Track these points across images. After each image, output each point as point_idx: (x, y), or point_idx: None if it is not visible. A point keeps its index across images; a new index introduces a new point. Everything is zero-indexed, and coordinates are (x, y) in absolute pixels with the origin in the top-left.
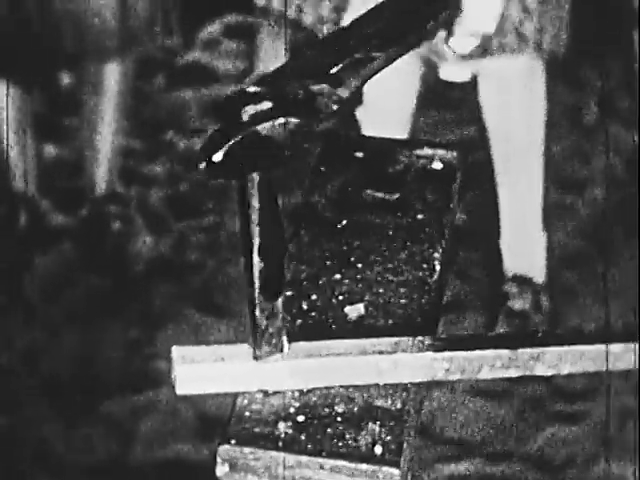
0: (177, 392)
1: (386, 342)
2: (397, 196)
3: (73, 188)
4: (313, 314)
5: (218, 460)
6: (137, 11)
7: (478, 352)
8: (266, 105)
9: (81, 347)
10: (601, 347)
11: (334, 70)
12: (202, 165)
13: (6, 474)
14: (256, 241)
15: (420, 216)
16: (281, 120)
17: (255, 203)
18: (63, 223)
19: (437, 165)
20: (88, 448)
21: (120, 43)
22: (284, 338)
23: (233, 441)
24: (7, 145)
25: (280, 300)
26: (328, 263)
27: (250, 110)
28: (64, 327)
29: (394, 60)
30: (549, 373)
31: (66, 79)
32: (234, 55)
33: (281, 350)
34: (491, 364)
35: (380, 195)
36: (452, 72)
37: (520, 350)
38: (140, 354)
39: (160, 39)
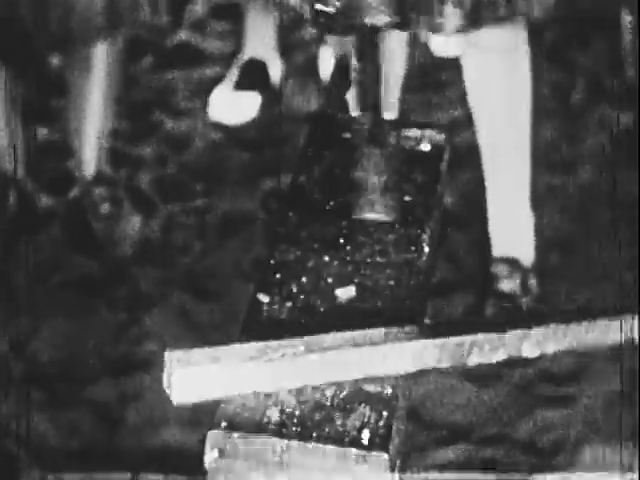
0: (173, 400)
1: (376, 333)
2: (385, 177)
3: (61, 170)
4: (302, 296)
5: (207, 446)
6: None
7: (467, 337)
8: None
9: (68, 330)
10: (585, 325)
11: None
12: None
13: None
14: None
15: (408, 197)
16: None
17: None
18: (51, 205)
19: (425, 146)
20: (75, 433)
21: (107, 24)
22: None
23: (222, 426)
24: None
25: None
26: (316, 245)
27: None
28: (51, 310)
29: None
30: (537, 353)
31: (54, 61)
32: (222, 36)
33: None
34: (480, 348)
35: (368, 176)
36: (444, 46)
37: (508, 332)
38: (127, 337)
39: (147, 19)
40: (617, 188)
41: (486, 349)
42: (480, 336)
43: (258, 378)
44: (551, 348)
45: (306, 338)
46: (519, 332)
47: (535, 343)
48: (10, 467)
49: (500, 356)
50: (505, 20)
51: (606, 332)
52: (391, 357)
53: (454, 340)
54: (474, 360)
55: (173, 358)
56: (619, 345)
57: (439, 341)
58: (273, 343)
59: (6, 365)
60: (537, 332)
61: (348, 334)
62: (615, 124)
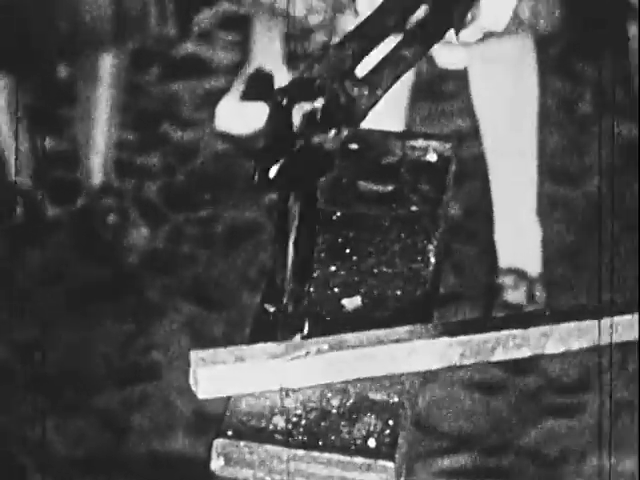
0: (199, 396)
1: (400, 331)
2: (391, 188)
3: (68, 180)
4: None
5: (213, 454)
6: (132, 1)
7: (492, 334)
8: (319, 102)
9: (75, 339)
10: (609, 320)
11: (368, 70)
12: (256, 178)
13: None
14: (292, 236)
15: (414, 208)
16: (334, 131)
17: (296, 207)
18: (58, 215)
19: (431, 157)
20: (82, 441)
21: (115, 34)
22: (306, 322)
23: (228, 434)
24: (2, 137)
25: (306, 287)
26: (323, 255)
27: (300, 114)
28: (58, 319)
29: (422, 56)
30: (560, 350)
31: (61, 70)
32: (229, 47)
33: (301, 331)
34: (504, 345)
35: (374, 187)
36: (449, 58)
37: (532, 329)
38: (134, 347)
39: (155, 30)
40: (623, 199)
41: (510, 346)
42: (504, 333)
43: (282, 375)
44: (575, 345)
45: (330, 337)
46: (543, 329)
47: (559, 340)
48: (17, 475)
49: (524, 353)
50: (511, 32)
51: (630, 328)
52: (416, 354)
53: (478, 337)
54: (498, 357)
55: (198, 356)
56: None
57: (464, 338)
58: (297, 342)
59: (13, 373)
60: (560, 329)
61: (372, 332)
62: (622, 135)
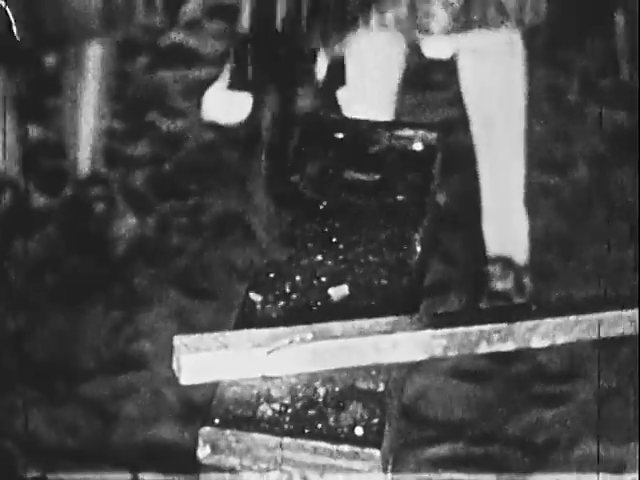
0: (182, 382)
1: (384, 322)
2: (378, 177)
3: (56, 169)
4: (295, 295)
5: (200, 442)
6: None
7: (476, 327)
8: None
9: (63, 329)
10: (594, 316)
11: None
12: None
13: None
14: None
15: (401, 197)
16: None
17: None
18: (46, 204)
19: (417, 146)
20: (69, 430)
21: (103, 23)
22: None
23: (215, 423)
24: None
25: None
26: (309, 244)
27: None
28: (46, 309)
29: None
30: (545, 344)
31: (48, 60)
32: (216, 36)
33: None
34: (488, 338)
35: (361, 176)
36: (435, 48)
37: (517, 323)
38: (122, 336)
39: (142, 19)
40: (610, 187)
41: (494, 339)
42: (488, 326)
43: (265, 363)
44: (560, 340)
45: (315, 326)
46: (528, 323)
47: (544, 334)
48: (6, 465)
49: (509, 346)
50: (495, 24)
51: (615, 324)
52: (400, 345)
53: (462, 330)
54: (482, 350)
55: (182, 342)
56: (622, 337)
57: (447, 330)
58: (282, 330)
59: (1, 364)
60: (546, 323)
61: (357, 322)
62: (609, 124)
